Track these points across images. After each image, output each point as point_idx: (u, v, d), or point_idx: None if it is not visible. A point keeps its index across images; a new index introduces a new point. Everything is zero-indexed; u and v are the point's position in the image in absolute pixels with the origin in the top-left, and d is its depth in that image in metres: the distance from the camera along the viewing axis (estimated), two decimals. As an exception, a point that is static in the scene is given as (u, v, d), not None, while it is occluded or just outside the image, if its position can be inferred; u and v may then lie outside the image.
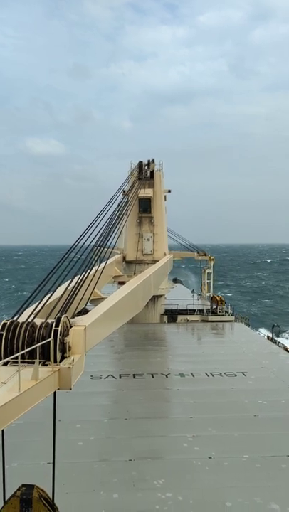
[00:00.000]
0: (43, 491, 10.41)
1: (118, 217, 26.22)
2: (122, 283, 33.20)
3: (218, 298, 53.81)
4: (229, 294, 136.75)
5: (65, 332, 11.12)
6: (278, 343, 42.99)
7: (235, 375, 29.99)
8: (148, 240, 49.15)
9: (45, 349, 10.37)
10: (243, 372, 30.46)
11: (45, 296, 13.95)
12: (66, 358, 10.80)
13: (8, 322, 10.80)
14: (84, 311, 15.19)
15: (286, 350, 40.60)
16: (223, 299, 53.88)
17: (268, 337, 45.69)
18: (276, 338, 46.08)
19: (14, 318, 11.33)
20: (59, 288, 15.66)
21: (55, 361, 10.38)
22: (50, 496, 10.75)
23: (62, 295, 14.45)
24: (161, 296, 49.78)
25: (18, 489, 10.13)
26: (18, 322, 10.86)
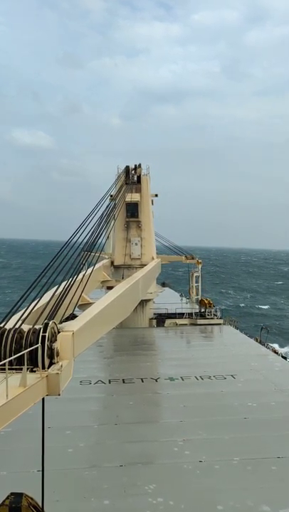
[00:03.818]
0: (32, 499, 10.31)
1: (105, 221, 26.19)
2: (110, 288, 33.13)
3: (206, 301, 53.93)
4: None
5: (53, 338, 11.04)
6: (267, 346, 43.19)
7: (225, 378, 30.04)
8: (136, 244, 49.13)
9: (33, 355, 10.29)
10: (232, 375, 30.52)
11: (32, 301, 13.85)
12: (54, 363, 10.72)
13: None
14: (72, 317, 15.10)
15: (275, 352, 40.83)
16: (211, 302, 54.02)
17: (256, 339, 45.86)
18: (265, 341, 46.27)
19: (1, 325, 11.23)
20: (46, 293, 15.56)
21: (44, 367, 10.30)
22: (40, 504, 10.64)
23: (49, 300, 14.36)
24: (149, 300, 49.74)
25: (7, 498, 10.03)
26: (5, 328, 10.77)
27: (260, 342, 44.36)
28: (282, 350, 52.34)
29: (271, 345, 48.90)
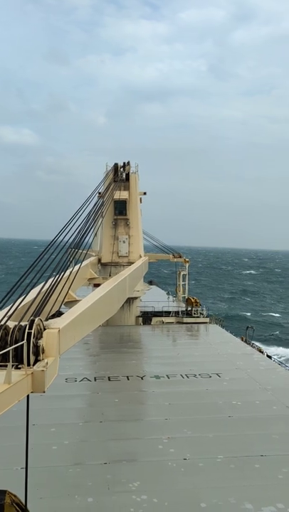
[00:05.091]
0: (15, 496, 10.26)
1: (93, 219, 26.11)
2: (97, 285, 33.05)
3: (193, 300, 54.11)
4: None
5: (39, 335, 10.99)
6: (252, 345, 43.50)
7: (210, 377, 30.19)
8: (123, 242, 49.09)
9: (18, 352, 10.22)
10: (217, 374, 30.68)
11: (18, 298, 13.75)
12: (40, 361, 10.67)
13: None
14: (58, 314, 15.03)
15: (260, 351, 41.15)
16: (198, 300, 54.22)
17: (242, 338, 46.17)
18: (250, 340, 46.61)
19: None
20: (33, 290, 15.47)
21: (29, 364, 10.24)
22: (23, 502, 10.60)
23: (36, 297, 14.28)
24: (136, 298, 49.76)
25: None
26: None
27: (245, 341, 44.68)
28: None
29: (256, 344, 49.28)
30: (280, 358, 75.05)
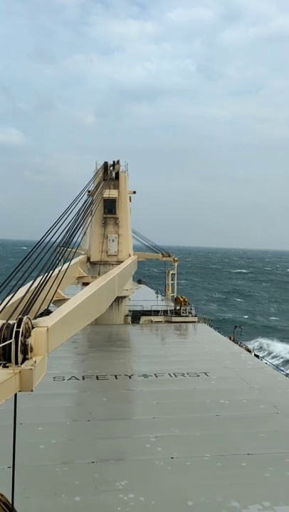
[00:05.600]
0: (2, 495, 10.22)
1: (82, 217, 26.04)
2: (85, 284, 32.96)
3: (181, 299, 54.22)
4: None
5: (27, 333, 10.94)
6: (240, 344, 43.75)
7: (198, 376, 30.31)
8: (113, 240, 49.03)
9: (6, 350, 10.17)
10: (205, 373, 30.81)
11: (6, 296, 13.68)
12: (28, 359, 10.63)
13: None
14: (47, 312, 14.99)
15: (248, 350, 41.40)
16: (186, 299, 54.35)
17: (230, 337, 46.41)
18: (238, 339, 46.87)
19: None
20: (21, 288, 15.40)
21: (17, 363, 10.20)
22: (10, 501, 10.56)
23: (24, 296, 14.22)
24: (125, 297, 49.74)
25: None
26: None
27: (233, 340, 44.91)
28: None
29: (244, 343, 49.54)
30: (271, 355, 75.92)
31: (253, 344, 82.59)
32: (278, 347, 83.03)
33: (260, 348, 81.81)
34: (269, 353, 79.89)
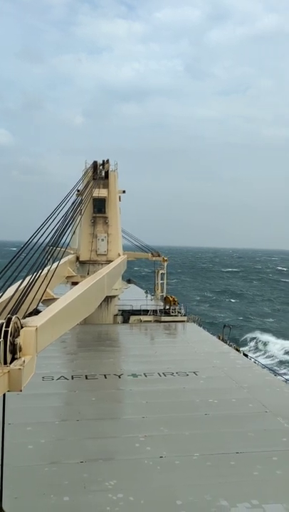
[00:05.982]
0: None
1: (72, 216, 25.96)
2: (75, 283, 32.82)
3: (171, 298, 54.31)
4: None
5: (16, 333, 10.89)
6: (229, 343, 43.92)
7: (187, 375, 30.38)
8: (102, 240, 48.94)
9: None
10: (194, 372, 30.89)
11: None
12: (17, 359, 10.58)
13: None
14: (35, 312, 14.93)
15: (237, 350, 41.57)
16: (176, 299, 54.45)
17: (219, 337, 46.56)
18: (227, 338, 47.04)
19: None
20: (10, 288, 15.31)
21: (5, 363, 10.15)
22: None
23: (13, 295, 14.14)
24: (114, 296, 49.68)
25: None
26: None
27: (222, 340, 45.06)
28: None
29: (234, 344, 49.75)
30: (263, 354, 76.33)
31: (249, 344, 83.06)
32: (272, 346, 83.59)
33: (256, 348, 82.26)
34: (260, 351, 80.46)
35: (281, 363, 73.77)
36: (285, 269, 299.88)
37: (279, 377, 33.69)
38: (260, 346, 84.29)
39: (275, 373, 34.66)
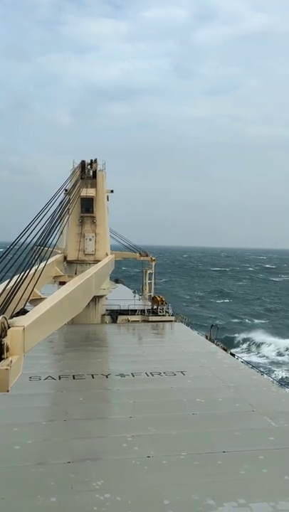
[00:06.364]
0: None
1: (59, 216, 25.86)
2: (62, 283, 32.72)
3: (159, 298, 54.37)
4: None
5: (3, 333, 10.83)
6: (216, 343, 44.12)
7: (175, 375, 30.44)
8: (90, 239, 48.82)
9: None
10: (182, 372, 30.96)
11: None
12: (4, 359, 10.51)
13: None
14: (23, 312, 14.85)
15: (224, 349, 41.78)
16: (163, 299, 54.53)
17: (206, 337, 46.74)
18: (214, 338, 47.25)
19: None
20: None
21: None
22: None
23: (0, 295, 14.05)
24: (102, 296, 49.59)
25: None
26: None
27: (210, 339, 45.25)
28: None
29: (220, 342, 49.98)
30: (249, 353, 76.78)
31: (238, 343, 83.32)
32: (261, 345, 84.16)
33: (245, 348, 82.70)
34: (250, 351, 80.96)
35: (271, 363, 74.44)
36: (273, 266, 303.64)
37: (266, 376, 33.97)
38: (249, 346, 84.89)
39: (262, 373, 34.89)
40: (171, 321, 51.09)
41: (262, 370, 38.02)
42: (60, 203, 28.28)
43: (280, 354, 79.87)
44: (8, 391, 10.11)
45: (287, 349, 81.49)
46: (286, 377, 65.35)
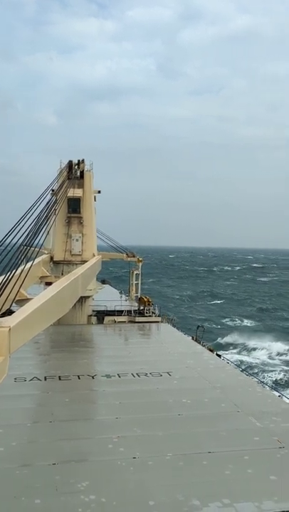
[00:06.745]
0: None
1: (46, 216, 25.75)
2: (49, 284, 32.57)
3: (145, 299, 54.38)
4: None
5: (-12, 334, 10.76)
6: (202, 343, 44.28)
7: (161, 375, 30.48)
8: (77, 240, 48.68)
9: None
10: (168, 372, 31.02)
11: None
12: (-12, 360, 10.45)
13: None
14: (9, 312, 14.75)
15: (210, 350, 41.96)
16: (150, 300, 54.57)
17: (193, 337, 46.89)
18: (201, 339, 47.42)
19: None
20: None
21: None
22: None
23: None
24: (89, 297, 49.46)
25: None
26: None
27: (196, 340, 45.40)
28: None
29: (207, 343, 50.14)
30: (236, 354, 77.16)
31: (224, 344, 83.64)
32: (248, 346, 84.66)
33: (235, 351, 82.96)
34: (237, 351, 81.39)
35: (257, 363, 74.86)
36: (260, 266, 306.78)
37: (251, 377, 34.18)
38: (236, 346, 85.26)
39: (248, 373, 35.12)
40: (158, 321, 51.12)
41: (248, 370, 38.19)
42: (47, 203, 28.18)
43: (267, 355, 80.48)
44: None
45: (273, 350, 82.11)
46: (272, 377, 65.97)
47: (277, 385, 61.01)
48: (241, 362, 69.86)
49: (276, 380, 65.51)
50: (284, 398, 28.15)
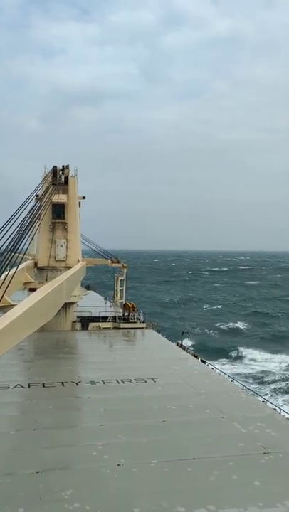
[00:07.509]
0: None
1: (30, 222, 25.62)
2: (33, 290, 32.39)
3: (130, 305, 54.29)
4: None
5: (-29, 341, 10.63)
6: (187, 350, 44.33)
7: (146, 382, 30.41)
8: (61, 246, 48.46)
9: None
10: (153, 379, 30.96)
11: None
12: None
13: None
14: None
15: (195, 356, 42.00)
16: (135, 306, 54.49)
17: (177, 343, 46.93)
18: (185, 345, 47.51)
19: None
20: None
21: None
22: None
23: None
24: (73, 303, 49.21)
25: None
26: None
27: (180, 346, 45.44)
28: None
29: (191, 349, 50.25)
30: (221, 360, 77.30)
31: (215, 351, 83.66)
32: (235, 351, 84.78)
33: (221, 356, 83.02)
34: (222, 357, 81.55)
35: (243, 369, 74.97)
36: (247, 267, 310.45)
37: (236, 383, 34.28)
38: (221, 352, 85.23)
39: (232, 379, 35.22)
40: (143, 327, 51.07)
41: (232, 376, 38.28)
42: (32, 208, 28.06)
43: (252, 360, 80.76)
44: None
45: (259, 357, 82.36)
46: (256, 383, 66.25)
47: (263, 390, 61.30)
48: (227, 368, 69.95)
49: (261, 384, 65.85)
50: (268, 404, 28.30)
